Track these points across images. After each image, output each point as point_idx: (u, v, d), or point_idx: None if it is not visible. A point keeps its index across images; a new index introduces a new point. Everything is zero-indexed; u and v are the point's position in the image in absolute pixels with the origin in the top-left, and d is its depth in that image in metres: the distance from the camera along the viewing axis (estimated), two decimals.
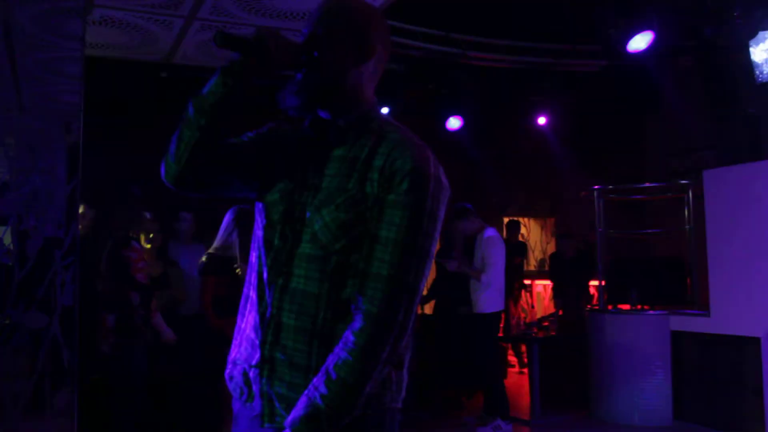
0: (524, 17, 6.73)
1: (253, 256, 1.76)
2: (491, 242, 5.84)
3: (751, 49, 6.01)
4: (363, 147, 1.68)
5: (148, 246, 5.39)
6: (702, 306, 5.86)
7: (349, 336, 1.56)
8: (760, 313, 5.19)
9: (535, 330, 6.75)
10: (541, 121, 8.73)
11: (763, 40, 5.89)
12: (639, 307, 6.16)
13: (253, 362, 1.68)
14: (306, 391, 1.55)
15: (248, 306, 1.76)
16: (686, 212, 6.51)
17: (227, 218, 4.80)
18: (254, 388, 1.67)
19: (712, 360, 5.60)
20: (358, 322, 1.56)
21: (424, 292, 7.41)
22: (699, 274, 6.12)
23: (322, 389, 1.53)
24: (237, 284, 4.67)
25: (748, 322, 5.26)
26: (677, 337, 5.85)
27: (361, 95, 1.75)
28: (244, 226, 4.75)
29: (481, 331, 5.81)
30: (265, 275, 1.69)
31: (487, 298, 5.77)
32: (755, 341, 5.20)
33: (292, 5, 4.94)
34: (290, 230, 1.68)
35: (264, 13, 5.05)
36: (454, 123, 7.77)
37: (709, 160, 6.75)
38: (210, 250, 4.77)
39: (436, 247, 1.68)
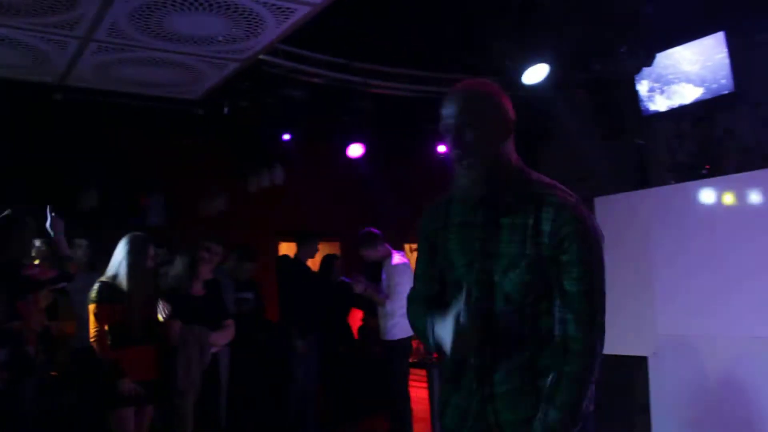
0: (425, 48, 6.87)
1: None
2: (398, 269, 5.89)
3: (637, 84, 6.35)
4: (527, 213, 2.03)
5: None
6: None
7: (565, 371, 2.05)
8: (646, 333, 5.43)
9: (436, 355, 6.81)
10: (441, 148, 8.90)
11: (647, 76, 6.24)
12: None
13: (474, 406, 2.19)
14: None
15: None
16: None
17: (121, 245, 4.66)
18: None
19: (604, 379, 5.80)
20: (570, 357, 2.06)
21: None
22: None
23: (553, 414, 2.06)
24: (131, 314, 4.53)
25: (636, 343, 5.49)
26: None
27: (512, 164, 2.11)
28: (137, 253, 4.63)
29: (390, 358, 5.83)
30: None
31: (395, 324, 5.80)
32: (643, 360, 5.43)
33: (191, 30, 4.87)
34: (481, 294, 2.06)
35: (164, 37, 4.96)
36: (355, 150, 7.83)
37: (600, 187, 7.03)
38: (102, 279, 4.61)
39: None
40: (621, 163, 6.99)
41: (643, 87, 6.35)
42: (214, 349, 4.84)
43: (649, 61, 5.60)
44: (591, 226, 2.07)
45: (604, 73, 6.25)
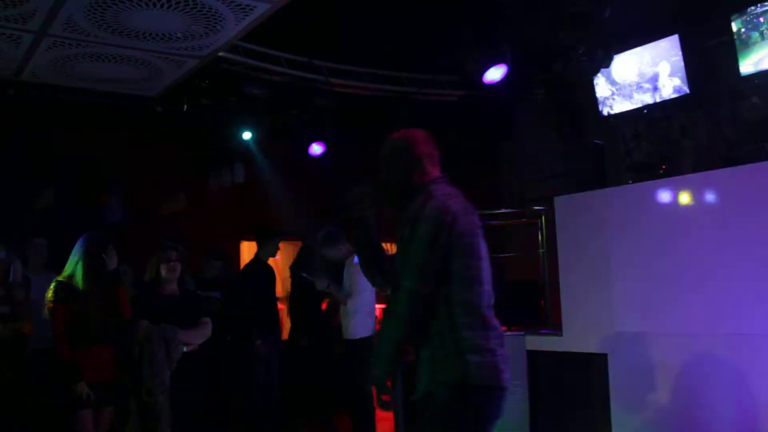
0: (387, 46, 6.87)
1: None
2: (358, 269, 5.87)
3: (595, 85, 6.43)
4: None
5: None
6: (555, 326, 6.14)
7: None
8: (606, 331, 5.50)
9: None
10: None
11: (605, 77, 6.32)
12: None
13: None
14: None
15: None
16: (539, 237, 6.82)
17: (78, 245, 4.58)
18: None
19: (565, 377, 5.87)
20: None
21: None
22: (552, 295, 6.42)
23: None
24: (87, 314, 4.45)
25: (596, 340, 5.56)
26: (533, 355, 6.09)
27: (420, 184, 2.82)
28: (92, 253, 4.56)
29: (352, 356, 5.81)
30: None
31: (357, 323, 5.79)
32: (603, 357, 5.50)
33: (149, 25, 4.80)
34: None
35: (121, 32, 4.88)
36: (316, 149, 7.79)
37: (559, 187, 7.10)
38: (59, 278, 4.53)
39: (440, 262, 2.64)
40: (580, 163, 7.08)
41: (600, 88, 6.43)
42: (188, 348, 4.75)
43: (607, 62, 5.67)
44: (425, 214, 2.64)
45: (563, 74, 6.31)
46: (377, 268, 2.98)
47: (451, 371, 2.56)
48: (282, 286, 8.47)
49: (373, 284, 3.04)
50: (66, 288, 4.45)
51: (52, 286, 4.47)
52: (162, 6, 4.45)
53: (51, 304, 4.41)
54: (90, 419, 4.39)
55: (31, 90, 6.02)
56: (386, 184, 2.92)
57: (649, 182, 5.52)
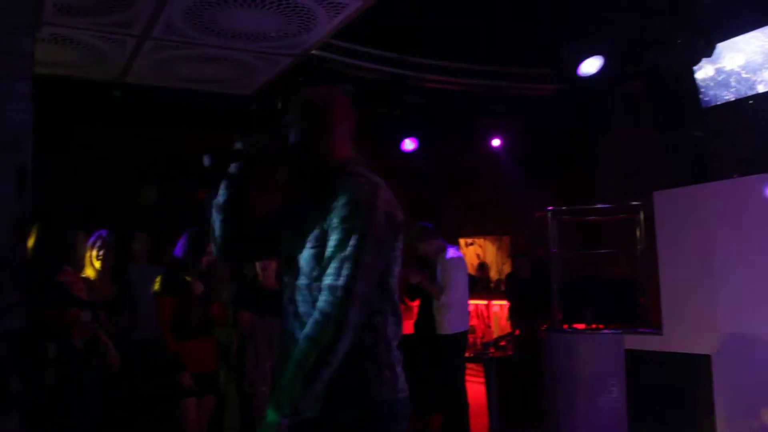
0: (479, 41, 6.81)
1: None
2: (452, 263, 5.86)
3: (696, 75, 6.18)
4: (326, 198, 2.09)
5: (98, 265, 5.22)
6: (655, 325, 5.95)
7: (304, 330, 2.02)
8: (710, 331, 5.29)
9: (492, 350, 6.77)
10: (495, 143, 8.83)
11: (707, 66, 6.07)
12: (593, 326, 6.22)
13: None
14: None
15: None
16: (638, 233, 6.62)
17: (182, 240, 4.74)
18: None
19: (665, 377, 5.68)
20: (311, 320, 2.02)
21: None
22: (652, 293, 6.22)
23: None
24: (193, 306, 4.61)
25: (699, 340, 5.36)
26: (631, 355, 5.92)
27: (334, 157, 2.24)
28: (195, 248, 4.71)
29: (445, 352, 5.80)
30: (288, 308, 2.24)
31: (450, 319, 5.77)
32: (706, 359, 5.29)
33: (245, 26, 4.91)
34: (290, 267, 2.20)
35: (218, 33, 5.01)
36: (408, 145, 7.80)
37: (658, 181, 6.87)
38: (165, 272, 4.70)
39: (381, 261, 2.09)
40: (680, 157, 6.84)
41: (702, 78, 6.17)
42: None
43: (708, 51, 5.45)
44: (367, 201, 2.06)
45: (661, 65, 6.11)
46: (236, 233, 2.30)
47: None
48: None
49: (220, 253, 2.35)
50: (172, 281, 4.61)
51: (158, 279, 4.65)
52: (257, 6, 4.54)
53: (157, 297, 4.59)
54: (194, 408, 4.54)
55: (135, 90, 6.27)
56: (299, 152, 2.24)
57: (755, 176, 5.27)
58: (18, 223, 3.50)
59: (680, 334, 5.53)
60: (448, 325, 5.77)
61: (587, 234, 8.47)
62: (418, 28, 6.43)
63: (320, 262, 2.05)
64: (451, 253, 5.92)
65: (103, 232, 5.22)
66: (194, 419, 4.54)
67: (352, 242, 2.00)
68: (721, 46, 5.71)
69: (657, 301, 5.80)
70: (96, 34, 4.96)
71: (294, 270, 2.15)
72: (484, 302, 9.86)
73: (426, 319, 6.76)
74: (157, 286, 4.62)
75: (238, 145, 2.24)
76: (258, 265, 5.05)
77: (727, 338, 5.18)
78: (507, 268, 9.96)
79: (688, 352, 5.45)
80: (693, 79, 6.25)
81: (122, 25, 4.83)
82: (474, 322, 9.05)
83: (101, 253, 5.15)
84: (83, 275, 5.03)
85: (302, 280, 2.12)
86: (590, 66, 5.90)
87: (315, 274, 2.07)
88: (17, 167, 3.60)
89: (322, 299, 1.99)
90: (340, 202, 2.04)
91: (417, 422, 6.81)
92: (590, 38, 5.84)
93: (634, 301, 6.51)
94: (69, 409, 4.47)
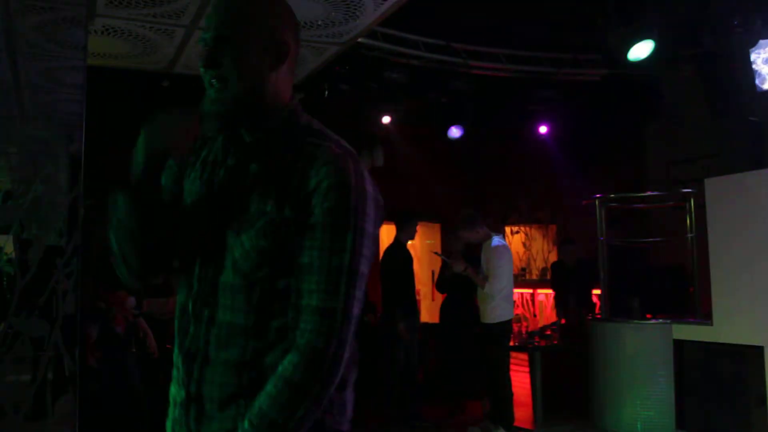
0: (525, 27, 6.74)
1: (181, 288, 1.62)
2: (497, 251, 5.83)
3: (752, 58, 6.02)
4: (280, 162, 1.51)
5: None
6: (705, 315, 5.84)
7: (279, 371, 1.43)
8: (762, 321, 5.17)
9: (537, 339, 6.73)
10: (542, 129, 8.74)
11: (763, 48, 5.90)
12: (641, 316, 6.15)
13: (179, 401, 1.56)
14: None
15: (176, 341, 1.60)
16: (688, 221, 6.50)
17: None
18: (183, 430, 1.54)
19: (715, 369, 5.58)
20: (292, 352, 1.44)
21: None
22: (701, 282, 6.11)
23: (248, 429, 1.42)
24: None
25: (751, 331, 5.25)
26: (680, 345, 5.83)
27: (278, 101, 1.60)
28: None
29: (491, 340, 5.80)
30: (190, 307, 1.56)
31: (495, 307, 5.76)
32: (759, 350, 5.18)
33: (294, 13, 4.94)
34: (211, 257, 1.54)
35: None
36: (455, 132, 7.78)
37: (710, 168, 6.73)
38: None
39: (370, 266, 1.52)
40: (733, 143, 6.68)
41: (758, 61, 6.00)
42: None
43: (765, 32, 5.29)
44: (355, 184, 1.49)
45: (715, 48, 5.96)
46: (146, 241, 1.56)
47: None
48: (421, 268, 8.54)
49: (123, 272, 1.60)
50: None
51: None
52: None
53: None
54: None
55: (183, 80, 6.37)
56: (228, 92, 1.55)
57: None
58: (71, 211, 3.59)
59: (731, 325, 5.42)
60: (492, 313, 5.75)
61: (636, 222, 8.36)
62: (464, 14, 6.39)
63: (273, 261, 1.48)
64: (497, 241, 5.89)
65: None
66: None
67: (347, 245, 1.45)
68: None
69: (707, 291, 5.69)
70: (146, 25, 5.04)
71: (216, 262, 1.52)
72: (530, 291, 9.81)
73: (455, 307, 6.75)
74: None
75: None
76: None
77: None
78: (553, 257, 9.87)
79: (739, 342, 5.33)
80: (749, 62, 6.09)
81: (172, 16, 4.90)
82: (518, 311, 9.01)
83: None
84: None
85: (234, 279, 1.50)
86: (640, 50, 5.79)
87: (261, 274, 1.48)
88: (71, 156, 3.69)
89: (309, 327, 1.43)
90: (320, 184, 1.45)
91: (462, 408, 6.83)
92: (641, 22, 5.73)
93: (684, 290, 6.41)
94: (110, 393, 4.60)
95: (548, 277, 9.19)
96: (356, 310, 1.47)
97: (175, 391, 1.59)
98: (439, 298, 7.37)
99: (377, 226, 1.55)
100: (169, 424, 1.61)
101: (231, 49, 1.54)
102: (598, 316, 6.53)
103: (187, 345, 1.55)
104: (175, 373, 1.60)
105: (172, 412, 1.60)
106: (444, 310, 6.98)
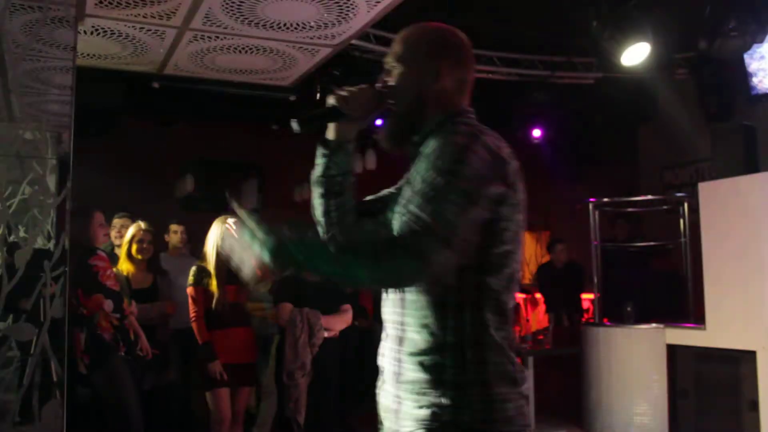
0: (519, 29, 6.71)
1: None
2: None
3: (746, 62, 6.01)
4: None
5: (140, 257, 5.32)
6: (698, 319, 5.83)
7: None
8: (755, 326, 5.15)
9: (530, 343, 6.70)
10: (536, 133, 8.71)
11: (757, 53, 5.90)
12: (634, 320, 6.12)
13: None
14: None
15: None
16: (681, 225, 6.49)
17: (212, 229, 4.75)
18: None
19: (708, 373, 5.56)
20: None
21: None
22: (695, 287, 6.09)
23: None
24: (221, 296, 4.64)
25: (744, 336, 5.23)
26: (673, 350, 5.81)
27: (440, 110, 1.82)
28: (229, 237, 4.70)
29: None
30: None
31: None
32: (751, 354, 5.16)
33: (284, 16, 4.90)
34: None
35: (257, 24, 5.01)
36: None
37: (704, 172, 6.72)
38: (199, 262, 4.72)
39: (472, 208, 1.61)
40: (727, 147, 6.66)
41: (752, 65, 6.00)
42: (329, 334, 4.84)
43: (760, 37, 5.28)
44: (460, 141, 1.65)
45: (709, 52, 5.95)
46: (341, 213, 1.92)
47: (467, 408, 1.62)
48: None
49: (330, 235, 1.92)
50: (204, 272, 4.64)
51: (192, 269, 4.68)
52: None
53: (191, 288, 4.62)
54: (227, 398, 4.57)
55: (174, 82, 6.32)
56: (397, 95, 1.83)
57: None
58: (59, 213, 3.55)
59: (724, 329, 5.40)
60: None
61: (629, 226, 8.33)
62: (457, 17, 6.35)
63: None
64: None
65: (142, 224, 5.31)
66: (225, 409, 4.56)
67: (443, 172, 1.60)
68: None
69: (700, 295, 5.67)
70: (137, 25, 5.00)
71: None
72: (522, 296, 9.77)
73: None
74: (190, 277, 4.66)
75: (332, 102, 1.79)
76: None
77: None
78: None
79: (733, 347, 5.31)
80: (743, 67, 6.08)
81: (163, 17, 4.86)
82: None
83: (143, 246, 5.26)
84: (118, 267, 5.12)
85: None
86: (634, 54, 5.77)
87: None
88: (59, 158, 3.64)
89: (401, 222, 1.58)
90: (426, 150, 1.67)
91: None
92: (635, 25, 5.71)
93: (675, 294, 6.39)
94: (100, 398, 4.55)
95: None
96: (446, 233, 1.53)
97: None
98: None
99: (487, 180, 1.65)
100: None
101: (403, 77, 1.88)
102: (591, 320, 6.51)
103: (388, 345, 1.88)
104: None
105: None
106: None
